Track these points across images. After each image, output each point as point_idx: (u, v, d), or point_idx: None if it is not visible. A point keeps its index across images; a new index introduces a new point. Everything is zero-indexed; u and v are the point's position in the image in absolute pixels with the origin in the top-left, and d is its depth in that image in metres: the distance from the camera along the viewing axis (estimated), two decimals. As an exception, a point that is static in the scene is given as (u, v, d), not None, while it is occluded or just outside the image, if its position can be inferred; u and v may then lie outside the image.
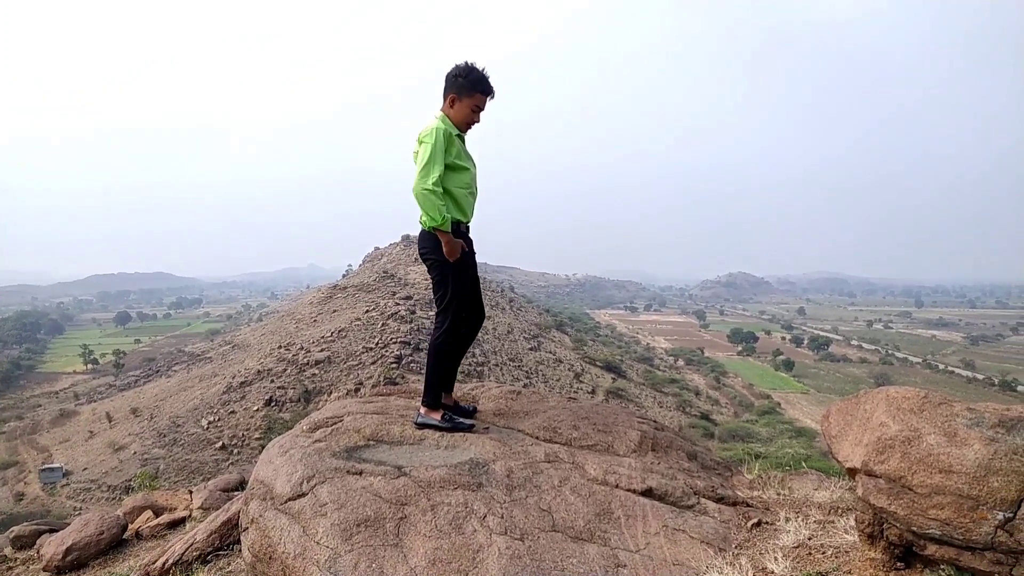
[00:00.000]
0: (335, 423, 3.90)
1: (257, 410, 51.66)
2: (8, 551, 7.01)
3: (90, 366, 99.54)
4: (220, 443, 50.01)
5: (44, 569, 5.73)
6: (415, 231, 3.98)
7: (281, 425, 44.38)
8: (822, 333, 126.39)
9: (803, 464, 4.75)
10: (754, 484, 3.87)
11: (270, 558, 2.82)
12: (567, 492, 3.12)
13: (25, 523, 8.26)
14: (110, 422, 62.85)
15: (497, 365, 57.98)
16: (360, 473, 3.14)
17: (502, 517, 2.88)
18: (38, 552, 6.41)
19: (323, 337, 60.39)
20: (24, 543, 7.11)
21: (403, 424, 3.86)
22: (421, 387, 4.22)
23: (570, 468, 3.36)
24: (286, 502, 3.01)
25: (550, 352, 68.91)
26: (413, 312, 61.46)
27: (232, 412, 52.76)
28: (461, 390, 4.89)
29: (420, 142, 3.72)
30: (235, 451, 48.83)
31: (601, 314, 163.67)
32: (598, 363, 69.55)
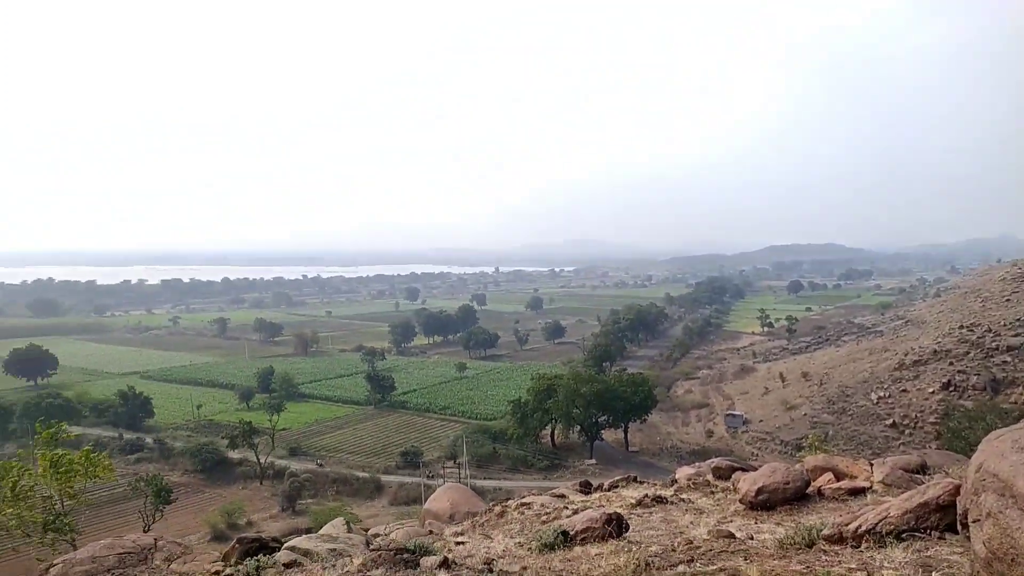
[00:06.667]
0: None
1: (932, 392, 47.38)
2: (710, 478, 8.26)
3: (766, 329, 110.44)
4: (891, 420, 48.01)
5: (740, 501, 6.47)
6: None
7: (961, 413, 39.38)
8: None
9: None
10: None
11: (1013, 560, 2.39)
12: None
13: (721, 458, 9.56)
14: (783, 382, 68.10)
15: None
16: None
17: None
18: (734, 485, 7.30)
19: (1018, 320, 50.84)
20: (721, 475, 8.28)
21: None
22: None
23: None
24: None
25: None
26: None
27: (904, 391, 49.88)
28: None
29: None
30: (906, 431, 46.08)
31: None
32: None
